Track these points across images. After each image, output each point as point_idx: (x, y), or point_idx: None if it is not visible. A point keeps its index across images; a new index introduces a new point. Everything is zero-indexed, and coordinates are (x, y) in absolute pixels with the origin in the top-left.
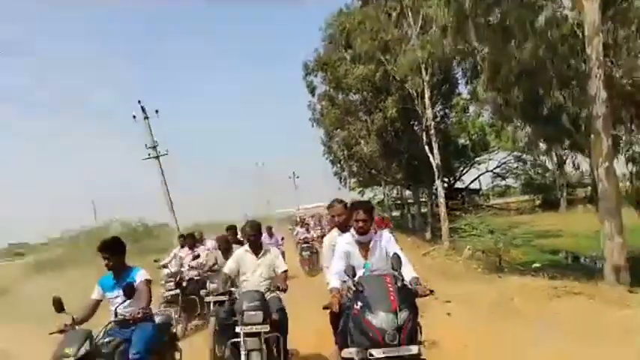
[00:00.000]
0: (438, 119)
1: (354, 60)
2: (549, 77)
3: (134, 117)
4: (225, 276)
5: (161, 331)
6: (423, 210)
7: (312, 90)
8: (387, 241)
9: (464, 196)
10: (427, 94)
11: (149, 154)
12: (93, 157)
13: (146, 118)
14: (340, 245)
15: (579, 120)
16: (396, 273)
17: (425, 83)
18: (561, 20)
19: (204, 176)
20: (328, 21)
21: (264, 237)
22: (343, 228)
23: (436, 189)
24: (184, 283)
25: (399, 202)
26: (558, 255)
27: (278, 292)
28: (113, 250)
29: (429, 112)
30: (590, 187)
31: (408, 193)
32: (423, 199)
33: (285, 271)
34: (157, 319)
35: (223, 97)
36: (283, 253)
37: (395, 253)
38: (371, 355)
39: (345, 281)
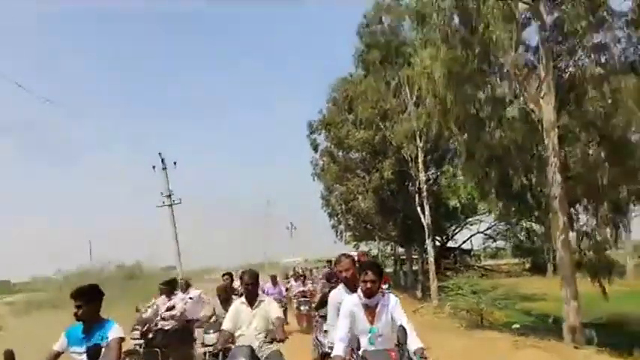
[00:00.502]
0: (431, 182)
1: (355, 124)
2: (515, 163)
3: (154, 167)
4: (226, 333)
5: None
6: (415, 267)
7: (315, 147)
8: (393, 306)
9: (456, 256)
10: (420, 159)
11: (163, 202)
12: (98, 200)
13: (164, 168)
14: (346, 306)
15: (541, 198)
16: (402, 347)
17: (419, 149)
18: (526, 115)
19: (209, 221)
20: (333, 86)
21: (269, 286)
22: (351, 285)
23: (426, 248)
24: (151, 334)
25: (392, 258)
26: (546, 319)
27: (276, 343)
28: (88, 298)
29: (421, 176)
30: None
31: (401, 250)
32: (415, 257)
33: (280, 318)
34: None
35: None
36: (285, 309)
37: (401, 326)
38: None
39: (350, 348)
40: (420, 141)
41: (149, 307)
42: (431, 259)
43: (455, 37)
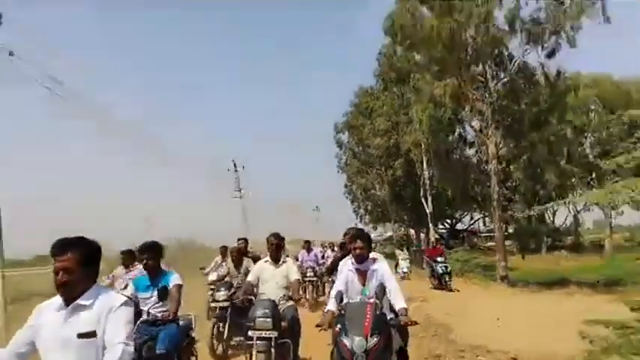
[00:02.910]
0: (435, 177)
1: (373, 129)
2: (471, 178)
3: (228, 170)
4: (249, 285)
5: (183, 333)
6: (423, 247)
7: (339, 145)
8: (382, 270)
9: (464, 237)
10: (425, 161)
11: (236, 196)
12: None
13: (236, 170)
14: (342, 269)
15: (486, 199)
16: (378, 302)
17: (423, 153)
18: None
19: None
20: (356, 94)
21: (303, 252)
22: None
23: (428, 231)
24: None
25: (404, 238)
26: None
27: (292, 301)
28: (152, 252)
29: (425, 174)
30: (573, 236)
31: (412, 231)
32: (423, 236)
33: (297, 280)
34: (180, 322)
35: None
36: (321, 275)
37: (380, 283)
38: None
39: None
40: (424, 147)
41: (107, 278)
42: (432, 239)
43: (438, 101)
